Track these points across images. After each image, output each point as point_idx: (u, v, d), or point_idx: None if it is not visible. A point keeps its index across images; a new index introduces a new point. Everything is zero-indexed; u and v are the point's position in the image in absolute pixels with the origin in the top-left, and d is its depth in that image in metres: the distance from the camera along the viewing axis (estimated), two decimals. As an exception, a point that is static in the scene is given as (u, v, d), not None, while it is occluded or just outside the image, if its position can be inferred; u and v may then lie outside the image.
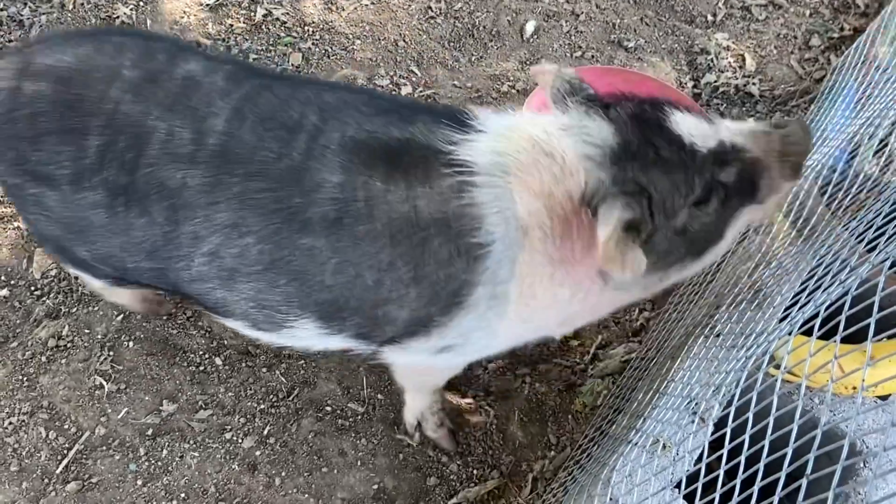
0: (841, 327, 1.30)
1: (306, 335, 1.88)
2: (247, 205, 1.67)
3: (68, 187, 1.74)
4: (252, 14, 3.40)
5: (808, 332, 1.61)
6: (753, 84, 3.50)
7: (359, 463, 2.53)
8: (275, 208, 1.67)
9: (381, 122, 1.74)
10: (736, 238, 1.84)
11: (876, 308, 1.22)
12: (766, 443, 1.34)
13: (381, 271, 1.69)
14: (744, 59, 3.58)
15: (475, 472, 2.55)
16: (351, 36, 3.41)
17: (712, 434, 1.84)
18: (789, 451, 1.25)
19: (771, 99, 3.49)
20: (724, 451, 1.47)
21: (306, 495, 2.45)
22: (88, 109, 1.70)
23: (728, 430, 1.49)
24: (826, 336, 1.44)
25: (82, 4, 3.31)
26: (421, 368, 2.18)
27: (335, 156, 1.67)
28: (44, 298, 2.70)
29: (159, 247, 1.76)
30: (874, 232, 1.65)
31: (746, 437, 1.42)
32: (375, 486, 2.50)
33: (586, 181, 1.59)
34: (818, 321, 1.43)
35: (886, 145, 2.40)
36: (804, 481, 1.20)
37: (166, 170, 1.68)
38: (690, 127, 1.63)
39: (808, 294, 1.72)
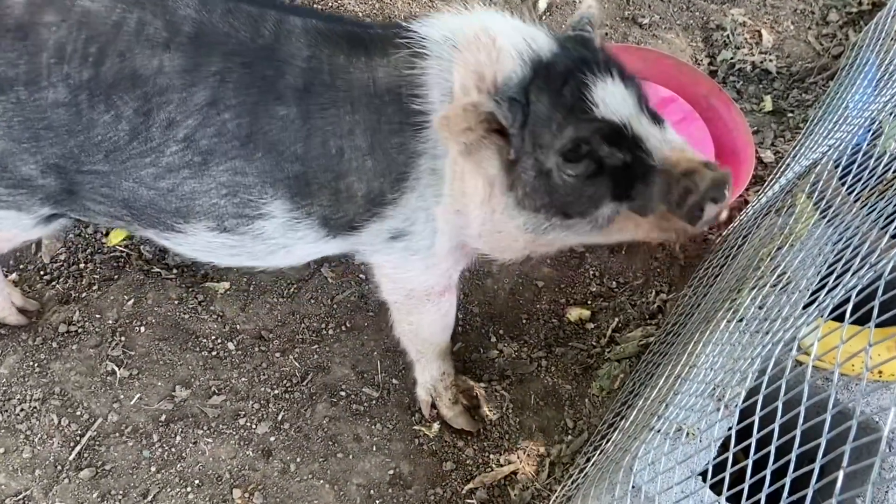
0: (875, 313, 1.26)
1: (272, 227, 1.93)
2: (225, 82, 1.77)
3: (23, 88, 1.71)
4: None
5: (837, 318, 1.57)
6: (770, 61, 3.44)
7: (374, 448, 2.50)
8: (250, 81, 1.78)
9: (345, 22, 1.95)
10: (610, 234, 1.90)
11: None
12: (798, 432, 1.30)
13: (343, 138, 1.81)
14: (760, 36, 3.51)
15: (491, 456, 2.52)
16: (360, 13, 3.35)
17: (738, 422, 1.80)
18: (823, 441, 1.21)
19: (788, 76, 3.43)
20: (752, 441, 1.43)
21: (321, 481, 2.43)
22: (44, 4, 1.71)
23: (756, 419, 1.45)
24: (851, 321, 1.40)
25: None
26: (401, 293, 2.22)
27: (301, 36, 1.82)
28: (54, 283, 2.67)
29: (121, 145, 1.78)
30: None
31: (776, 426, 1.38)
32: (391, 472, 2.47)
33: (508, 71, 1.71)
34: (850, 307, 1.39)
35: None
36: (840, 473, 1.17)
37: (140, 58, 1.73)
38: (611, 94, 1.70)
39: (837, 278, 1.68)
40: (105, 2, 1.73)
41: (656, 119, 1.76)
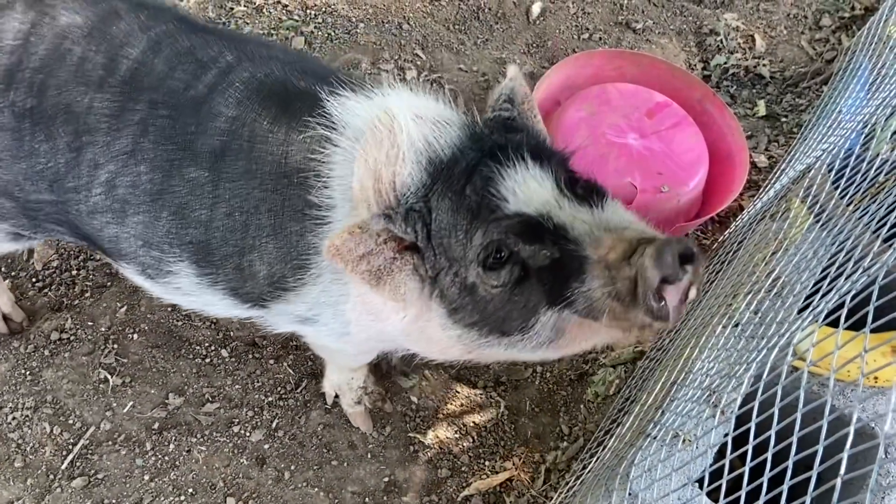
0: (869, 318, 1.25)
1: (186, 284, 1.85)
2: (146, 132, 1.67)
3: None
4: (253, -2, 3.34)
5: (831, 323, 1.57)
6: (764, 65, 3.45)
7: (369, 455, 2.49)
8: (171, 135, 1.67)
9: (295, 72, 1.74)
10: (562, 347, 1.56)
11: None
12: (795, 439, 1.30)
13: (248, 213, 1.67)
14: (753, 40, 3.52)
15: (487, 463, 2.51)
16: (354, 19, 3.34)
17: (735, 428, 1.80)
18: (820, 448, 1.21)
19: (782, 80, 3.44)
20: (749, 447, 1.43)
21: (316, 489, 2.42)
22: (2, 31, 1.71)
23: (752, 426, 1.44)
24: (846, 326, 1.40)
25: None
26: (318, 343, 2.14)
27: (237, 91, 1.68)
28: (46, 290, 2.66)
29: (61, 175, 1.75)
30: (888, 230, 1.59)
31: (772, 433, 1.38)
32: (386, 479, 2.46)
33: (406, 177, 1.49)
34: (844, 312, 1.38)
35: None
36: (838, 482, 1.16)
37: (74, 93, 1.69)
38: (522, 182, 1.45)
39: (831, 282, 1.67)
40: (59, 32, 1.70)
41: (588, 197, 1.47)
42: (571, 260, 1.40)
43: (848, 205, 2.02)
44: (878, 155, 2.13)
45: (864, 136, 2.42)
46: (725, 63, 3.42)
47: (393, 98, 1.64)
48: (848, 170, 2.11)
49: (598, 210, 1.45)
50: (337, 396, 2.52)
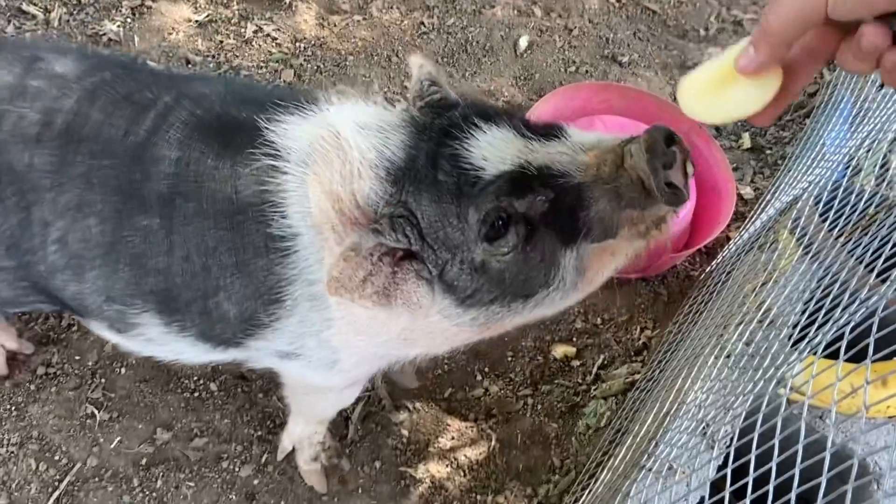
0: (870, 350, 1.26)
1: (155, 334, 1.79)
2: (91, 184, 1.62)
3: None
4: (242, 30, 3.35)
5: (826, 356, 1.58)
6: (748, 98, 3.48)
7: (360, 490, 2.46)
8: (116, 185, 1.61)
9: (233, 104, 1.68)
10: (589, 283, 1.56)
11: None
12: (797, 471, 1.30)
13: (208, 255, 1.61)
14: (737, 74, 3.56)
15: (479, 497, 2.49)
16: (343, 52, 3.36)
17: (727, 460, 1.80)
18: (823, 482, 1.21)
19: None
20: (749, 480, 1.42)
21: (306, 524, 2.39)
22: None
23: (752, 458, 1.44)
24: (835, 357, 1.41)
25: (68, 21, 3.25)
26: (302, 387, 2.08)
27: (177, 132, 1.62)
28: (32, 324, 2.62)
29: (17, 238, 1.69)
30: (883, 263, 1.61)
31: (773, 465, 1.38)
32: (377, 514, 2.43)
33: (367, 192, 1.46)
34: (843, 344, 1.39)
35: (886, 164, 2.38)
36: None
37: (13, 152, 1.63)
38: (489, 146, 1.42)
39: (826, 314, 1.68)
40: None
41: (550, 133, 1.46)
42: (568, 193, 1.39)
43: (837, 237, 2.04)
44: (864, 188, 2.16)
45: (849, 169, 2.45)
46: (710, 96, 3.46)
47: (332, 114, 1.60)
48: (836, 202, 2.13)
49: (567, 139, 1.44)
50: (292, 452, 2.45)
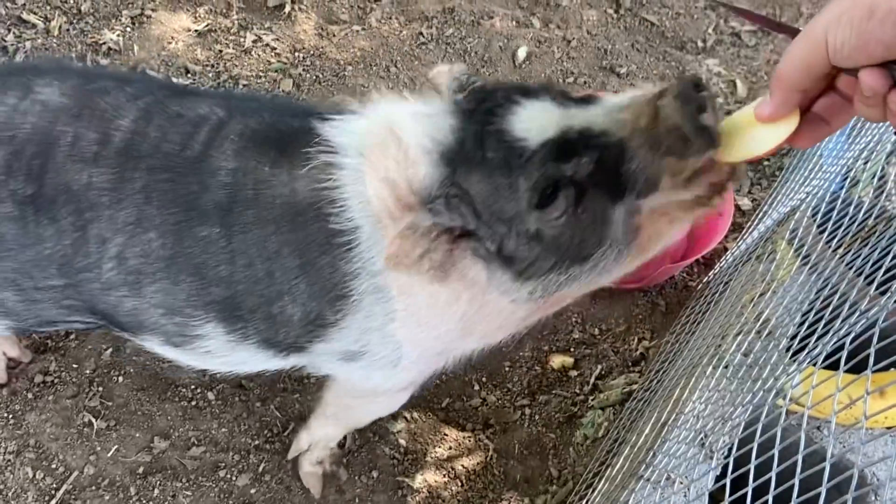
0: (871, 361, 1.27)
1: (215, 346, 1.82)
2: (150, 199, 1.67)
3: None
4: (241, 40, 3.35)
5: (828, 367, 1.58)
6: (745, 110, 3.49)
7: (357, 500, 2.46)
8: (174, 198, 1.67)
9: (285, 115, 1.77)
10: (652, 232, 1.55)
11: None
12: (797, 481, 1.30)
13: (271, 260, 1.67)
14: (735, 85, 3.58)
15: (476, 507, 2.49)
16: (342, 62, 3.37)
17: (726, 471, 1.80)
18: (823, 491, 1.21)
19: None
20: (749, 490, 1.42)
21: (303, 534, 2.38)
22: None
23: (752, 468, 1.44)
24: (834, 368, 1.41)
25: (67, 30, 3.25)
26: (352, 394, 2.09)
27: (233, 144, 1.68)
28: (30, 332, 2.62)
29: (69, 258, 1.72)
30: (883, 275, 1.61)
31: (773, 475, 1.38)
32: (374, 524, 2.43)
33: (423, 176, 1.50)
34: (844, 354, 1.40)
35: (884, 176, 2.39)
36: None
37: (71, 172, 1.67)
38: (530, 117, 1.46)
39: (825, 325, 1.69)
40: (48, 117, 1.70)
41: (587, 101, 1.50)
42: (610, 150, 1.42)
43: (837, 248, 2.04)
44: (862, 200, 2.17)
45: (847, 181, 2.46)
46: (708, 107, 3.47)
47: (384, 106, 1.65)
48: (834, 213, 2.14)
49: (602, 102, 1.47)
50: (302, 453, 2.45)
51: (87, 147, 1.68)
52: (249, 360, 1.89)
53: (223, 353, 1.86)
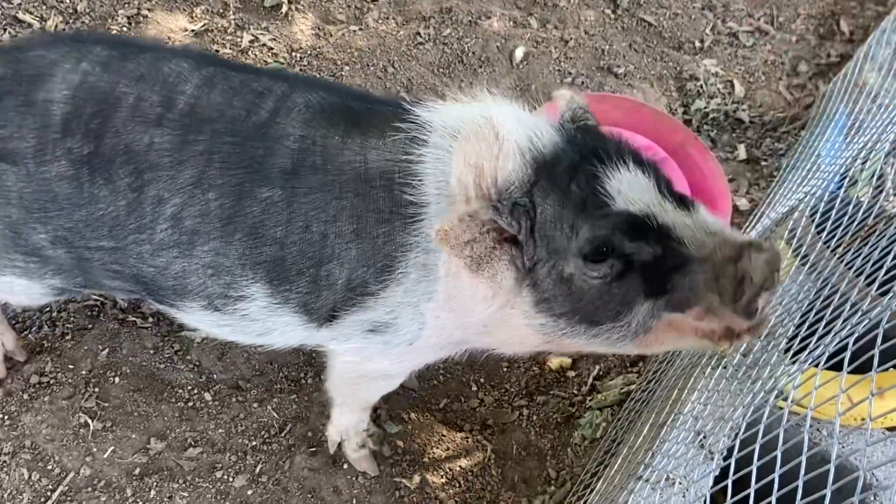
0: (875, 361, 1.26)
1: (255, 308, 1.87)
2: (211, 161, 1.73)
3: (31, 161, 1.76)
4: (238, 39, 3.34)
5: (828, 368, 1.57)
6: (743, 110, 3.50)
7: (354, 501, 2.45)
8: (238, 161, 1.73)
9: (350, 97, 1.86)
10: (663, 337, 1.65)
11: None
12: (801, 483, 1.29)
13: (327, 223, 1.72)
14: (732, 86, 3.58)
15: (474, 508, 2.48)
16: (339, 62, 3.36)
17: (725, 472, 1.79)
18: (828, 493, 1.20)
19: (761, 125, 3.49)
20: (752, 492, 1.42)
21: (301, 536, 2.37)
22: (50, 81, 1.76)
23: (754, 470, 1.44)
24: (839, 369, 1.41)
25: (63, 30, 3.23)
26: (354, 375, 2.12)
27: (300, 114, 1.76)
28: (26, 332, 2.60)
29: (121, 220, 1.78)
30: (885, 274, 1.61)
31: (776, 476, 1.37)
32: (372, 525, 2.42)
33: (510, 171, 1.57)
34: (848, 354, 1.39)
35: (882, 175, 2.39)
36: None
37: (133, 133, 1.73)
38: (628, 183, 1.55)
39: (826, 326, 1.68)
40: (109, 78, 1.76)
41: (684, 203, 1.58)
42: (675, 257, 1.52)
43: (836, 247, 2.04)
44: (860, 200, 2.17)
45: (845, 180, 2.45)
46: (706, 108, 3.47)
47: (490, 102, 1.72)
48: (833, 213, 2.13)
49: (696, 214, 1.56)
50: (339, 444, 2.48)
51: (151, 109, 1.73)
52: (282, 326, 1.93)
53: (260, 318, 1.90)
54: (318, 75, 3.31)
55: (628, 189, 1.54)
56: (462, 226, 1.51)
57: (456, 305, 1.77)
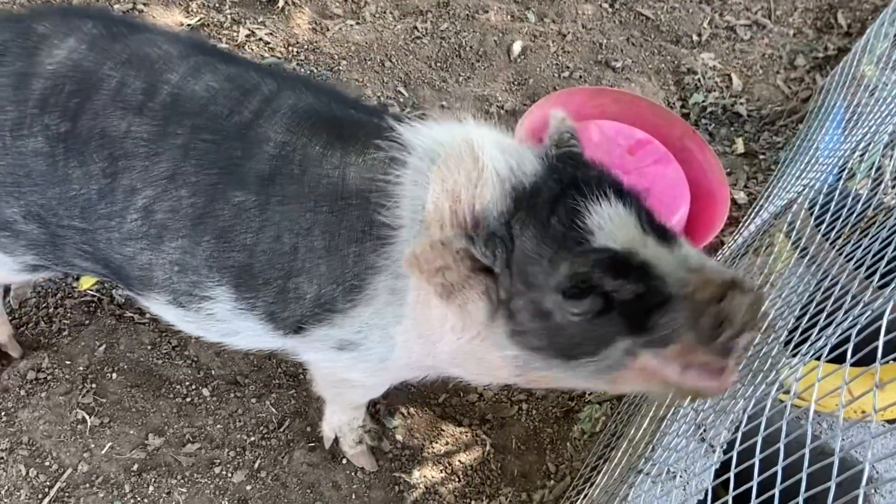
0: (879, 352, 1.25)
1: (221, 310, 1.83)
2: (188, 156, 1.68)
3: (8, 134, 1.72)
4: (235, 34, 3.33)
5: (833, 360, 1.57)
6: (741, 104, 3.49)
7: (353, 496, 2.44)
8: (214, 160, 1.68)
9: (338, 104, 1.79)
10: (635, 378, 1.57)
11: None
12: (804, 475, 1.29)
13: (299, 236, 1.68)
14: (730, 79, 3.58)
15: (473, 502, 2.47)
16: (336, 56, 3.35)
17: (727, 464, 1.78)
18: (832, 485, 1.20)
19: (758, 119, 3.49)
20: (754, 485, 1.41)
21: (300, 531, 2.36)
22: (36, 55, 1.72)
23: (756, 462, 1.43)
24: (840, 362, 1.40)
25: (59, 25, 3.22)
26: (332, 380, 2.10)
27: (284, 118, 1.70)
28: (22, 329, 2.59)
29: (93, 204, 1.74)
30: (886, 265, 1.60)
31: (779, 469, 1.36)
32: (371, 520, 2.41)
33: (488, 200, 1.53)
34: (850, 346, 1.38)
35: (880, 168, 2.39)
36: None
37: (111, 118, 1.69)
38: (608, 218, 1.49)
39: (827, 317, 1.68)
40: (94, 57, 1.72)
41: (665, 237, 1.52)
42: (656, 295, 1.44)
43: (836, 239, 2.03)
44: (858, 193, 2.16)
45: (843, 173, 2.45)
46: (703, 101, 3.47)
47: (471, 127, 1.69)
48: (833, 205, 2.13)
49: (678, 249, 1.50)
50: (336, 440, 2.47)
51: (132, 95, 1.69)
52: (248, 331, 1.89)
53: (225, 320, 1.86)
54: (314, 70, 3.30)
55: (609, 224, 1.48)
56: (434, 252, 1.46)
57: (424, 332, 1.72)
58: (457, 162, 1.58)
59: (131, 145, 1.68)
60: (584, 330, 1.51)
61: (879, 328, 1.26)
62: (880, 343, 1.11)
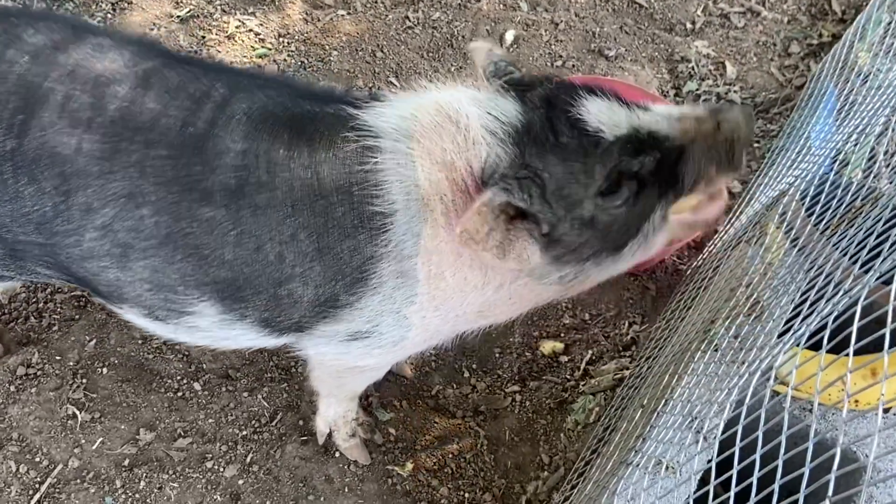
0: (853, 340, 1.24)
1: (207, 323, 1.81)
2: (145, 174, 1.61)
3: None
4: (225, 25, 3.31)
5: (812, 347, 1.56)
6: (735, 91, 3.47)
7: (346, 489, 2.44)
8: (174, 177, 1.61)
9: (291, 98, 1.74)
10: (663, 234, 1.75)
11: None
12: (780, 462, 1.28)
13: (283, 244, 1.65)
14: (724, 67, 3.55)
15: (467, 495, 2.47)
16: (328, 47, 3.33)
17: (718, 454, 1.78)
18: (806, 470, 1.19)
19: (753, 106, 3.46)
20: (734, 472, 1.40)
21: (292, 524, 2.36)
22: None
23: (737, 451, 1.42)
24: (818, 349, 1.40)
25: (48, 18, 3.20)
26: (338, 369, 2.07)
27: (240, 124, 1.64)
28: (12, 324, 2.59)
29: (49, 219, 1.68)
30: (868, 252, 1.60)
31: (758, 456, 1.35)
32: (364, 513, 2.41)
33: (486, 156, 1.55)
34: (826, 334, 1.38)
35: (874, 155, 2.37)
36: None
37: (59, 135, 1.61)
38: (601, 113, 1.56)
39: (811, 305, 1.66)
40: (37, 70, 1.64)
41: (642, 106, 1.64)
42: (671, 153, 1.60)
43: (825, 230, 2.02)
44: (851, 181, 2.15)
45: (837, 163, 2.43)
46: (697, 89, 3.45)
47: (435, 92, 1.69)
48: (823, 196, 2.11)
49: (655, 112, 1.63)
50: (329, 434, 2.46)
51: (80, 110, 1.62)
52: (238, 336, 1.86)
53: (210, 331, 1.84)
54: (305, 61, 3.28)
55: (605, 116, 1.56)
56: (480, 218, 1.50)
57: (441, 303, 1.74)
58: (437, 131, 1.59)
59: (83, 162, 1.61)
60: (628, 216, 1.63)
61: (864, 312, 1.26)
62: (887, 332, 1.09)
